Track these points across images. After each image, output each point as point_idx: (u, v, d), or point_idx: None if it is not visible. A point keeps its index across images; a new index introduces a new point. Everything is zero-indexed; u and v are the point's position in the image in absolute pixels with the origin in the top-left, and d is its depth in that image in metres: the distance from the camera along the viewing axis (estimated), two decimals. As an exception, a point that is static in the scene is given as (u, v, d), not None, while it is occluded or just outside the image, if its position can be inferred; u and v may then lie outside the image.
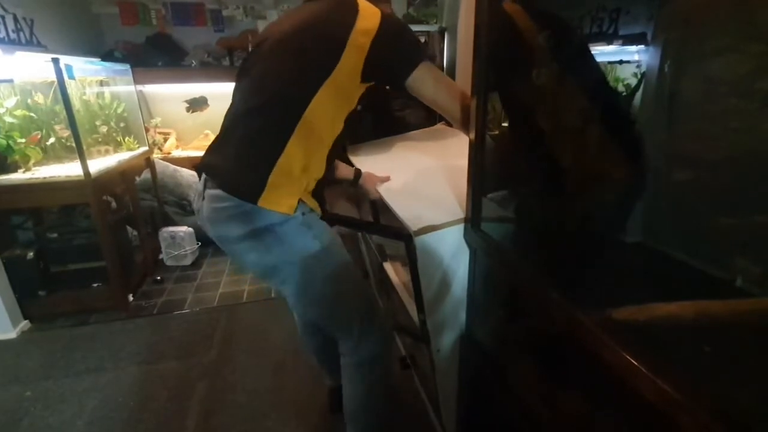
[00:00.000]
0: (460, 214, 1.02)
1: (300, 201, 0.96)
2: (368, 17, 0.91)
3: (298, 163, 0.94)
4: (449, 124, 1.59)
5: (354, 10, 0.92)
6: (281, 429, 1.46)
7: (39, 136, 2.11)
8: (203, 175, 1.00)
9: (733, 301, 0.54)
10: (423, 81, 0.96)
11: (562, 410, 0.79)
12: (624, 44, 0.87)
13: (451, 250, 1.05)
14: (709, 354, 0.54)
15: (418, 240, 0.96)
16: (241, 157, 0.95)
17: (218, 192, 0.93)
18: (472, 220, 1.00)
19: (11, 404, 1.60)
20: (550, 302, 0.72)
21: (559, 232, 0.85)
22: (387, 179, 1.26)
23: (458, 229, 1.04)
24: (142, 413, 1.54)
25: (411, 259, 0.99)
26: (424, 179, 1.28)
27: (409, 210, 1.05)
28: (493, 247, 0.93)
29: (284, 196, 0.93)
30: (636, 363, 0.53)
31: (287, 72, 0.94)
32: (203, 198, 0.99)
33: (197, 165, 1.03)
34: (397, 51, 0.94)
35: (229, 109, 1.04)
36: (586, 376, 0.70)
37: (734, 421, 0.43)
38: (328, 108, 0.94)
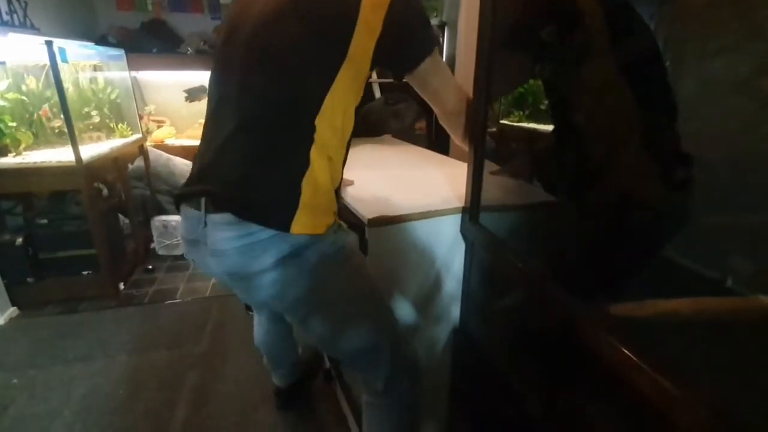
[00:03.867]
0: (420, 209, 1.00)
1: (334, 215, 0.84)
2: None
3: (326, 172, 0.79)
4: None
5: None
6: (271, 420, 1.46)
7: (46, 111, 2.08)
8: (202, 200, 0.78)
9: (731, 299, 0.54)
10: (434, 72, 0.86)
11: (559, 405, 0.79)
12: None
13: (446, 244, 1.05)
14: (707, 351, 0.54)
15: (414, 227, 0.96)
16: (255, 177, 0.76)
17: (230, 217, 0.75)
18: (471, 213, 0.99)
19: (-3, 392, 1.58)
20: (549, 297, 0.72)
21: (563, 227, 0.85)
22: (351, 183, 1.19)
23: (454, 224, 1.04)
24: (132, 402, 1.53)
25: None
26: (383, 183, 1.25)
27: (365, 203, 1.03)
28: (492, 240, 0.92)
29: (320, 215, 0.79)
30: (634, 358, 0.53)
31: (289, 67, 0.76)
32: (204, 224, 0.78)
33: (186, 192, 0.83)
34: (412, 33, 0.81)
35: (215, 120, 0.84)
36: (583, 371, 0.70)
37: (732, 417, 0.43)
38: (344, 100, 0.79)
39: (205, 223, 0.78)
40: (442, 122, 1.01)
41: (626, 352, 0.54)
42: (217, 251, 0.78)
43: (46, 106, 2.11)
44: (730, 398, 0.46)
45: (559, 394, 0.80)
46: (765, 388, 0.47)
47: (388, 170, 1.45)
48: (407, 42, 0.81)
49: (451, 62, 1.58)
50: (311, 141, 0.75)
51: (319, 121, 0.75)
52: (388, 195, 1.10)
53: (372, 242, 0.96)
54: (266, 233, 0.74)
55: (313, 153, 0.76)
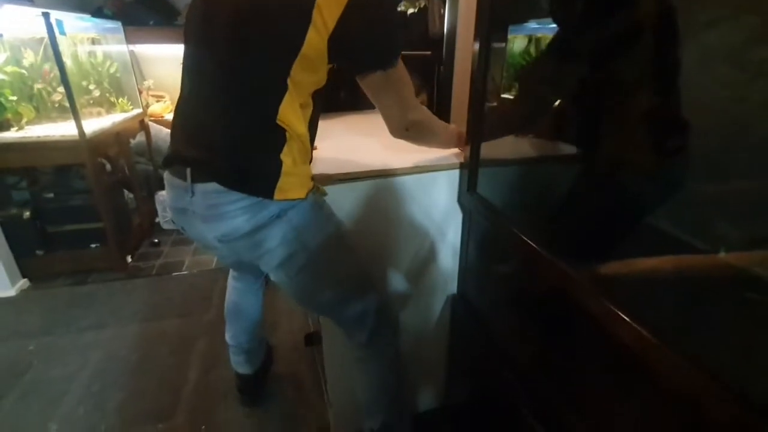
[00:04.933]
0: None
1: (311, 180, 0.90)
2: None
3: (303, 139, 0.84)
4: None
5: None
6: (276, 385, 1.54)
7: (47, 72, 2.08)
8: (188, 170, 0.83)
9: (710, 256, 0.58)
10: (383, 87, 0.86)
11: (551, 363, 0.85)
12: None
13: (442, 214, 1.09)
14: (682, 304, 0.58)
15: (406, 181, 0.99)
16: (238, 149, 0.82)
17: (217, 186, 0.80)
18: (468, 183, 1.03)
19: (14, 358, 1.65)
20: (543, 260, 0.76)
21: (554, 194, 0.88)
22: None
23: (450, 193, 1.07)
24: (146, 366, 1.60)
25: None
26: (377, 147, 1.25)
27: (357, 163, 1.05)
28: (489, 208, 0.96)
29: (300, 183, 0.85)
30: (617, 311, 0.58)
31: (257, 56, 0.78)
32: (192, 194, 0.84)
33: (172, 158, 0.88)
34: (367, 40, 0.80)
35: (196, 95, 0.87)
36: (573, 328, 0.75)
37: (702, 360, 0.48)
38: (302, 92, 0.82)
39: (193, 193, 0.83)
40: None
41: (610, 306, 0.58)
42: (207, 216, 0.84)
43: (46, 66, 2.09)
44: (701, 345, 0.51)
45: (552, 352, 0.85)
46: (732, 336, 0.52)
47: (383, 138, 1.45)
48: (359, 47, 0.80)
49: (452, 34, 1.57)
50: (286, 110, 0.79)
51: (283, 106, 0.78)
52: (384, 157, 1.11)
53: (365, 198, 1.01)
54: (251, 200, 0.81)
55: (288, 132, 0.80)
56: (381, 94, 0.88)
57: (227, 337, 1.39)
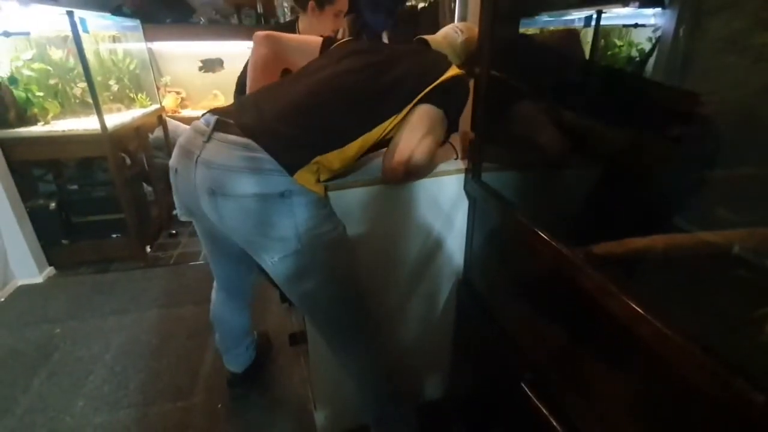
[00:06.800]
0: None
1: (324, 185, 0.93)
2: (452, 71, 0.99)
3: (342, 162, 0.91)
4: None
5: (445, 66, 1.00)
6: (291, 366, 1.60)
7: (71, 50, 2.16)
8: (215, 118, 0.87)
9: (698, 234, 0.61)
10: (421, 118, 0.94)
11: (556, 346, 0.88)
12: (640, 6, 0.90)
13: (449, 202, 1.13)
14: (669, 279, 0.61)
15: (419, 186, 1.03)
16: (299, 129, 0.87)
17: (248, 141, 0.82)
18: (473, 171, 1.06)
19: (43, 340, 1.74)
20: (543, 243, 0.79)
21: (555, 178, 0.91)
22: None
23: (457, 184, 1.10)
24: (165, 349, 1.68)
25: None
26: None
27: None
28: (493, 195, 0.99)
29: (316, 178, 0.88)
30: (609, 285, 0.61)
31: (376, 91, 0.94)
32: (208, 139, 0.85)
33: (212, 111, 0.91)
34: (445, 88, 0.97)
35: (284, 86, 0.99)
36: (572, 307, 0.78)
37: (685, 329, 0.51)
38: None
39: (209, 139, 0.85)
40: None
41: (602, 281, 0.62)
42: (209, 162, 0.84)
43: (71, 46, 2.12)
44: (682, 315, 0.54)
45: (554, 333, 0.88)
46: (713, 307, 0.55)
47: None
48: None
49: (464, 7, 1.60)
50: (357, 138, 0.90)
51: (371, 134, 0.92)
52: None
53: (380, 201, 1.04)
54: (270, 164, 0.81)
55: (350, 146, 0.90)
56: (416, 128, 0.94)
57: (215, 339, 1.42)
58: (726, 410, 0.47)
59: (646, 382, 0.64)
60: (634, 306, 0.57)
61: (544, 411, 0.79)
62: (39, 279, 2.16)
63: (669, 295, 0.61)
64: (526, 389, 0.85)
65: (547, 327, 0.90)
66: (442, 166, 1.09)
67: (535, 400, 0.83)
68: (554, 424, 0.76)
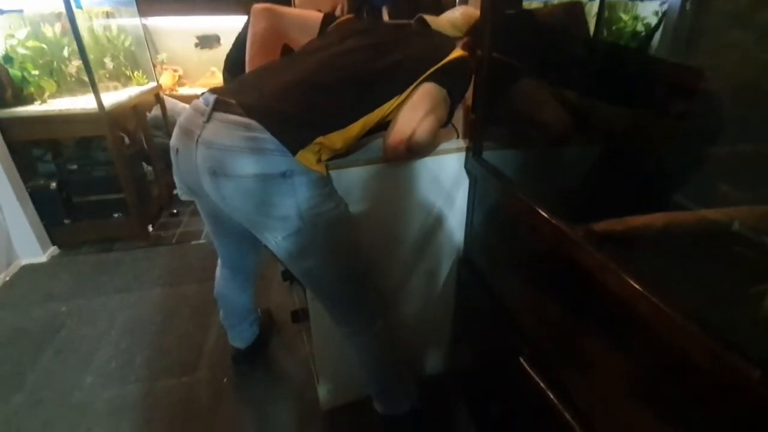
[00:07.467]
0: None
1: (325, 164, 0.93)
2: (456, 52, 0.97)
3: (344, 143, 0.91)
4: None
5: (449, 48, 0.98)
6: (293, 342, 1.63)
7: (65, 25, 2.09)
8: (214, 97, 0.86)
9: (698, 211, 0.60)
10: (423, 96, 0.92)
11: (551, 320, 0.89)
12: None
13: (450, 181, 1.12)
14: (668, 256, 0.61)
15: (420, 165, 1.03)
16: (301, 109, 0.85)
17: (249, 121, 0.80)
18: (474, 149, 1.05)
19: (49, 318, 1.77)
20: (544, 221, 0.79)
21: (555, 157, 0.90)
22: None
23: (457, 162, 1.10)
24: (169, 326, 1.71)
25: None
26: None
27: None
28: (493, 173, 0.99)
29: (316, 158, 0.87)
30: (608, 263, 0.61)
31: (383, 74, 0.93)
32: (208, 119, 0.84)
33: (213, 90, 0.90)
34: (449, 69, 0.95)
35: (288, 65, 0.98)
36: (572, 284, 0.79)
37: (683, 306, 0.51)
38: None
39: (209, 119, 0.84)
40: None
41: (602, 258, 0.62)
42: (209, 142, 0.82)
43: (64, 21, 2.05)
44: (681, 292, 0.55)
45: (552, 308, 0.89)
46: (712, 284, 0.55)
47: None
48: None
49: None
50: (359, 118, 0.89)
51: (372, 115, 0.90)
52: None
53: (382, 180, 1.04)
54: (272, 144, 0.80)
55: (352, 126, 0.89)
56: (420, 105, 0.92)
57: (220, 316, 1.45)
58: (722, 385, 0.48)
59: (644, 359, 0.65)
60: (632, 283, 0.57)
61: (543, 386, 0.80)
62: (43, 258, 2.18)
63: (668, 272, 0.62)
64: (525, 365, 0.87)
65: (547, 304, 0.91)
66: (443, 145, 1.08)
67: (534, 376, 0.84)
68: (552, 398, 0.78)
